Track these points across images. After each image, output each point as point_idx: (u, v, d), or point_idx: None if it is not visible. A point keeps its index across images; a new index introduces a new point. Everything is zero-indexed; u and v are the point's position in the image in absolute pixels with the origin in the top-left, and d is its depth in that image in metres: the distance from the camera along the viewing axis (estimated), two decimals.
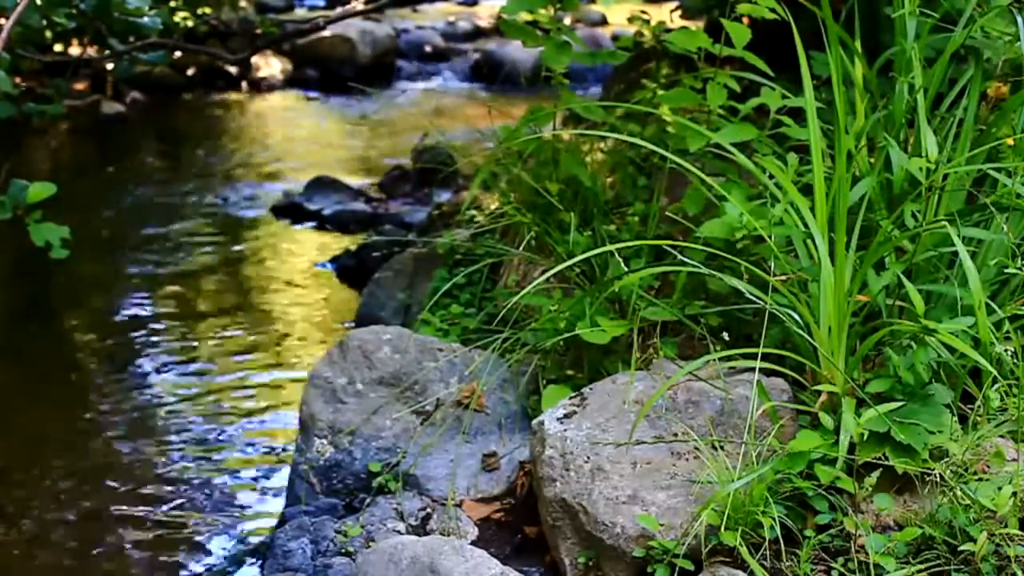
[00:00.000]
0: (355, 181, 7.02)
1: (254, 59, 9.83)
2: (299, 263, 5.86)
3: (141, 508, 3.58)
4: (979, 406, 2.63)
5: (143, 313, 5.18)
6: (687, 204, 3.40)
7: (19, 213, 3.96)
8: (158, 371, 4.57)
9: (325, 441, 3.30)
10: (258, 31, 9.67)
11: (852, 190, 2.95)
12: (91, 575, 3.27)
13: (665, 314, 3.17)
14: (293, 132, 8.82)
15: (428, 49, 11.27)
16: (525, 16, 3.90)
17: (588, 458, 2.73)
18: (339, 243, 6.07)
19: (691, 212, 3.37)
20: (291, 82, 10.35)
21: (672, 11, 4.89)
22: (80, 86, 8.97)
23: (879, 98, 3.35)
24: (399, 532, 2.99)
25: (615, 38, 5.73)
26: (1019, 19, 3.18)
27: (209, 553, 3.33)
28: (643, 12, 4.24)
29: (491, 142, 4.13)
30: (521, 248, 3.72)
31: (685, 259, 2.96)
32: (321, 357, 3.46)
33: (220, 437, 4.04)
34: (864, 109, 3.14)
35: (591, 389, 2.99)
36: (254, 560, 3.26)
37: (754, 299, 2.82)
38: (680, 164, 3.04)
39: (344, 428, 3.29)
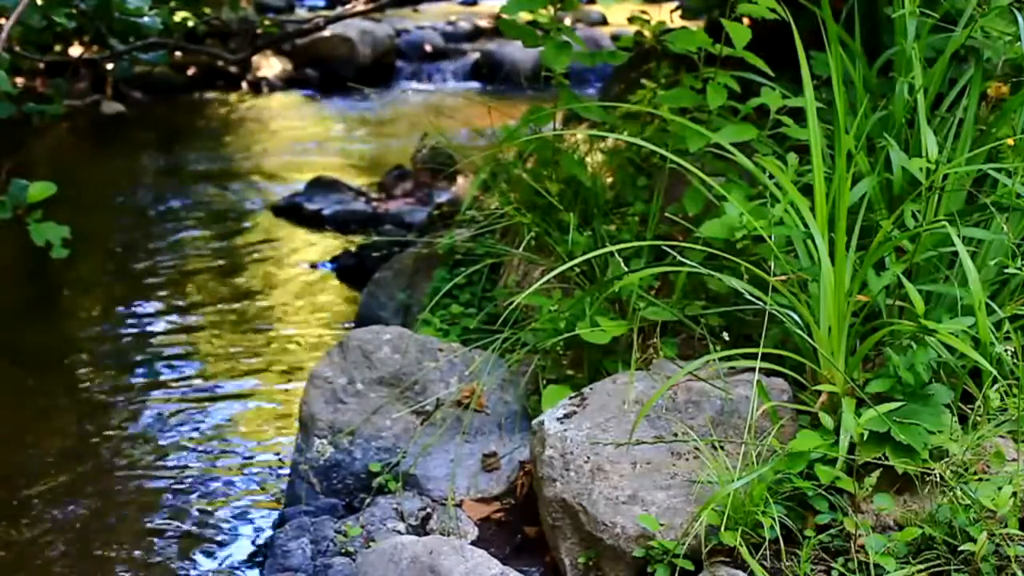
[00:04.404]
0: (355, 181, 7.02)
1: (254, 59, 9.84)
2: (299, 263, 5.86)
3: (140, 508, 3.58)
4: (979, 406, 2.63)
5: (143, 313, 5.18)
6: (687, 204, 3.40)
7: (19, 213, 3.96)
8: (157, 371, 4.57)
9: (325, 441, 3.30)
10: (258, 31, 9.67)
11: (852, 190, 2.95)
12: (90, 575, 3.27)
13: (665, 314, 3.17)
14: (293, 132, 8.82)
15: (428, 49, 11.27)
16: (525, 16, 3.90)
17: (588, 458, 2.73)
18: (339, 243, 6.07)
19: (691, 212, 3.37)
20: (291, 82, 10.35)
21: (672, 11, 4.88)
22: (80, 86, 8.97)
23: (879, 98, 3.35)
24: (399, 532, 2.99)
25: (615, 38, 5.71)
26: (1019, 19, 3.18)
27: (209, 553, 3.33)
28: (643, 12, 4.24)
29: (491, 142, 4.13)
30: (521, 248, 3.72)
31: (685, 259, 2.96)
32: (321, 357, 3.46)
33: (220, 437, 4.04)
34: (864, 109, 3.14)
35: (591, 389, 2.99)
36: (254, 560, 3.26)
37: (754, 299, 2.82)
38: (680, 164, 3.04)
39: (344, 428, 3.29)
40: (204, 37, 9.59)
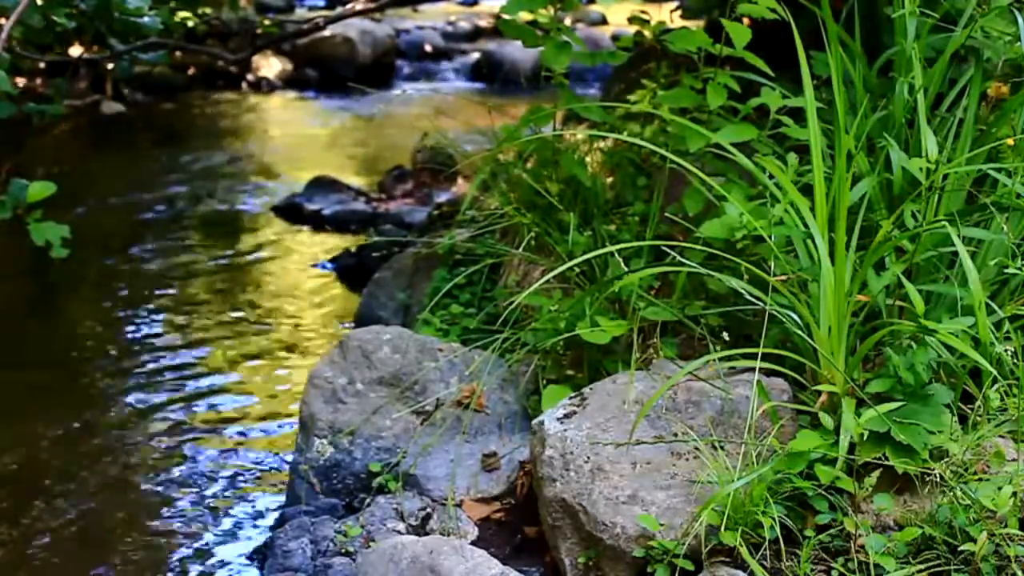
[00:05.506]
0: (355, 181, 7.02)
1: (254, 59, 9.84)
2: (299, 263, 5.86)
3: (140, 508, 3.58)
4: (979, 406, 2.63)
5: (143, 313, 5.18)
6: (687, 204, 3.40)
7: (19, 212, 3.97)
8: (157, 371, 4.57)
9: (325, 441, 3.30)
10: (258, 31, 9.68)
11: (852, 190, 2.95)
12: (90, 575, 3.27)
13: (665, 314, 3.17)
14: (293, 132, 8.82)
15: (428, 49, 11.27)
16: (525, 16, 3.90)
17: (588, 458, 2.73)
18: (339, 243, 6.07)
19: (691, 212, 3.37)
20: (291, 82, 10.35)
21: (672, 11, 4.88)
22: (80, 86, 8.98)
23: (879, 98, 3.35)
24: (399, 532, 2.99)
25: (615, 38, 5.72)
26: (1019, 19, 3.18)
27: (209, 553, 3.33)
28: (643, 12, 4.24)
29: (491, 142, 4.13)
30: (521, 248, 3.72)
31: (685, 259, 2.96)
32: (321, 357, 3.46)
33: (220, 437, 4.04)
34: (864, 109, 3.14)
35: (591, 389, 2.99)
36: (254, 560, 3.26)
37: (754, 299, 2.82)
38: (680, 164, 3.04)
39: (344, 428, 3.29)
40: (204, 37, 9.60)
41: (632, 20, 4.20)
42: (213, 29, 9.92)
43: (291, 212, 6.58)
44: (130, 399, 4.33)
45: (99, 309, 5.28)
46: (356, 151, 8.27)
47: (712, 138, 3.22)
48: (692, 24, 4.50)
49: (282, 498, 3.46)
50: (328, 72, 10.28)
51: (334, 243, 6.10)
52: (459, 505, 3.10)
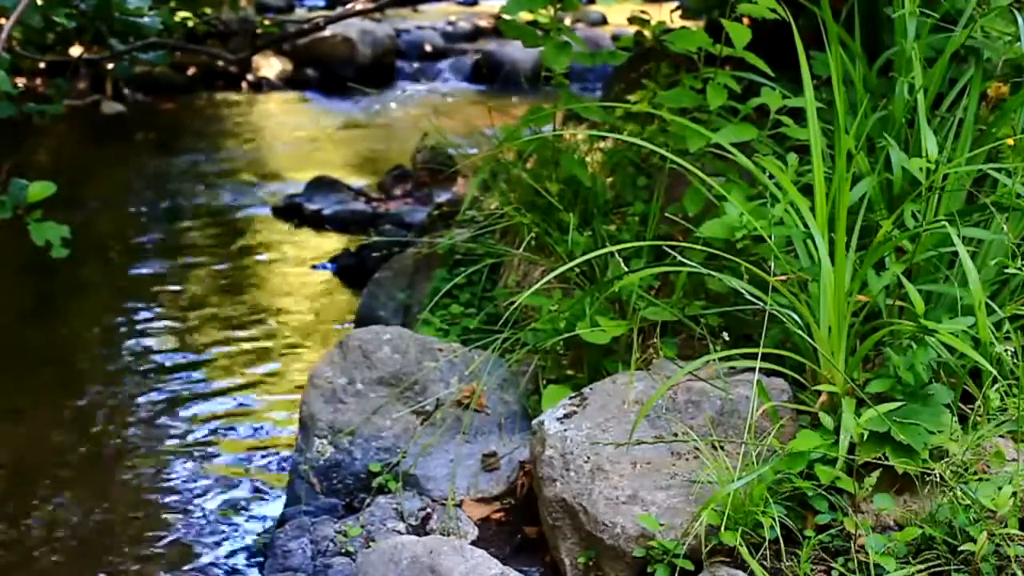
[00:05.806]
0: (355, 181, 7.02)
1: (254, 59, 9.84)
2: (299, 263, 5.86)
3: (140, 508, 3.58)
4: (979, 406, 2.63)
5: (143, 313, 5.18)
6: (687, 204, 3.40)
7: (19, 212, 3.96)
8: (156, 370, 4.57)
9: (325, 441, 3.30)
10: (258, 31, 9.67)
11: (852, 190, 2.95)
12: (90, 575, 3.27)
13: (665, 314, 3.17)
14: (293, 132, 8.82)
15: (428, 49, 11.27)
16: (525, 16, 3.90)
17: (588, 458, 2.73)
18: (339, 243, 6.07)
19: (691, 212, 3.37)
20: (291, 82, 10.35)
21: (672, 11, 4.88)
22: (80, 86, 8.98)
23: (879, 98, 3.35)
24: (399, 532, 2.99)
25: (615, 38, 5.73)
26: (1019, 19, 3.18)
27: (209, 553, 3.33)
28: (643, 12, 4.24)
29: (491, 142, 4.13)
30: (521, 248, 3.72)
31: (685, 259, 2.96)
32: (321, 357, 3.46)
33: (220, 437, 4.04)
34: (864, 109, 3.14)
35: (591, 389, 2.99)
36: (254, 560, 3.26)
37: (754, 299, 2.82)
38: (680, 164, 3.04)
39: (344, 428, 3.29)
40: (204, 37, 9.59)
41: (632, 20, 4.21)
42: (213, 29, 9.91)
43: (291, 212, 6.58)
44: (130, 399, 4.33)
45: (99, 309, 5.28)
46: (356, 151, 8.28)
47: (712, 138, 3.22)
48: (692, 24, 4.50)
49: (282, 498, 3.46)
50: (328, 72, 10.28)
51: (334, 243, 6.10)
52: (459, 505, 3.10)
